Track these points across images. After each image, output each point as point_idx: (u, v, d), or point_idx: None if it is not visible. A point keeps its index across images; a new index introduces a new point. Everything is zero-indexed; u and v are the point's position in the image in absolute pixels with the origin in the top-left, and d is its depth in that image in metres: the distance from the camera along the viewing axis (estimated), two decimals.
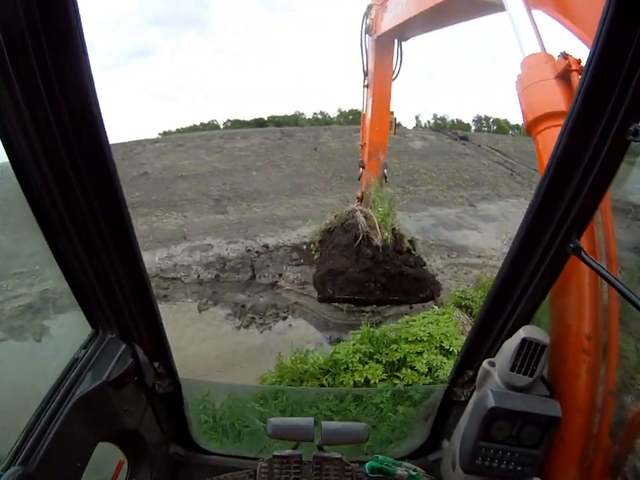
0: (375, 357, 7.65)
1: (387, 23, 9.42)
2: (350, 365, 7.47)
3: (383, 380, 7.11)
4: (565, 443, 2.08)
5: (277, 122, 48.52)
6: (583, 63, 1.88)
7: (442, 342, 7.86)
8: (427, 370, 7.29)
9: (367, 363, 7.50)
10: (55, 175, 1.55)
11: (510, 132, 48.63)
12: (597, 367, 1.98)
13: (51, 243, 1.76)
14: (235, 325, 12.88)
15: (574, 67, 2.35)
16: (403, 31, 9.33)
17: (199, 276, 15.44)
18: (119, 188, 1.70)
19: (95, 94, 1.47)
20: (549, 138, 2.29)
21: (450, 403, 2.67)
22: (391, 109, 11.18)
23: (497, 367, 2.07)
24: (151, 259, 16.08)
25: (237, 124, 46.23)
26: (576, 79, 2.30)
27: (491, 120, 50.73)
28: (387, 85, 10.62)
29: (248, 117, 50.05)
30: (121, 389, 2.01)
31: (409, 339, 7.86)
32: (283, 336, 11.64)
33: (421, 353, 7.61)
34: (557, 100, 2.39)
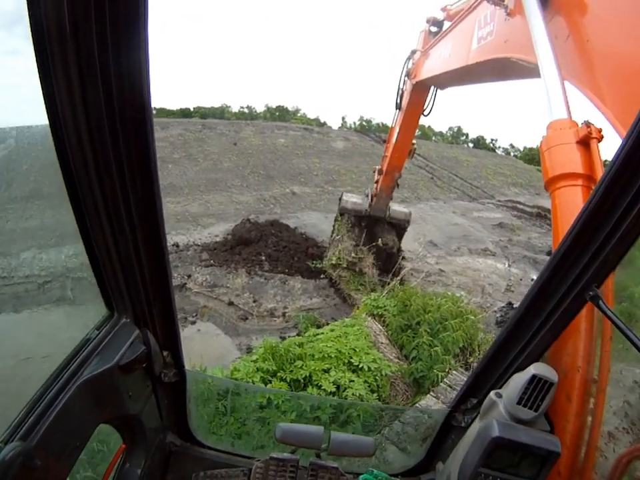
0: (278, 374, 7.12)
1: (427, 71, 9.78)
2: (252, 389, 6.81)
3: (287, 400, 6.56)
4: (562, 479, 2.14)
5: (203, 113, 47.86)
6: (603, 133, 2.55)
7: (351, 357, 7.47)
8: (334, 389, 6.86)
9: (269, 382, 6.98)
10: (94, 149, 1.49)
11: (433, 138, 50.12)
12: (599, 410, 2.04)
13: (79, 219, 1.69)
14: None
15: (594, 135, 2.58)
16: (442, 81, 9.67)
17: None
18: (155, 174, 1.65)
19: (148, 76, 1.43)
20: (564, 195, 2.53)
21: (449, 427, 2.71)
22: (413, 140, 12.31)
23: (504, 399, 2.13)
24: (57, 257, 14.96)
25: (161, 113, 44.78)
26: (595, 145, 2.56)
27: None
28: (415, 122, 11.65)
29: (174, 106, 48.68)
30: (129, 375, 1.97)
31: (315, 356, 7.43)
32: (190, 342, 10.79)
33: (328, 371, 7.17)
34: (576, 162, 2.59)
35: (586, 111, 2.96)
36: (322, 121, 51.61)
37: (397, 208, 14.75)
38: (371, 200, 14.00)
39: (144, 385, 2.24)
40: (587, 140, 2.61)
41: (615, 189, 1.64)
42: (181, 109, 48.71)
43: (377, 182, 13.63)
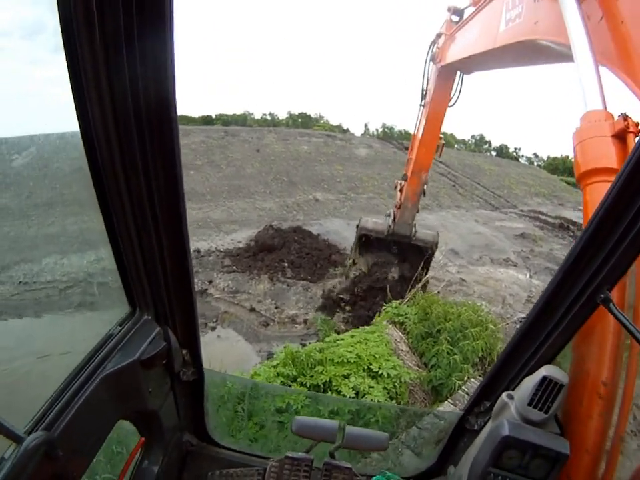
0: (298, 379, 7.14)
1: (453, 54, 9.53)
2: (271, 389, 6.83)
3: (306, 405, 6.59)
4: None
5: (225, 120, 48.01)
6: None
7: (371, 364, 7.44)
8: (353, 395, 6.84)
9: (290, 386, 7.00)
10: (122, 152, 1.54)
11: (455, 146, 49.78)
12: (609, 412, 2.03)
13: (106, 219, 1.75)
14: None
15: (631, 129, 2.44)
16: (468, 65, 9.46)
17: None
18: (180, 176, 1.70)
19: (174, 80, 1.47)
20: (597, 191, 2.40)
21: (462, 430, 2.71)
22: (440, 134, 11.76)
23: (515, 400, 2.15)
24: (79, 263, 15.21)
25: (183, 120, 45.16)
26: (632, 140, 2.42)
27: None
28: (442, 111, 10.97)
29: (195, 113, 49.00)
30: (149, 370, 2.02)
31: (336, 361, 7.41)
32: (210, 347, 10.82)
33: (347, 376, 7.16)
34: (610, 157, 2.47)
35: (623, 101, 2.78)
36: (344, 128, 51.64)
37: (423, 230, 13.81)
38: (394, 218, 13.10)
39: (163, 381, 2.29)
40: (624, 134, 2.48)
41: (627, 191, 1.65)
42: (202, 116, 48.91)
43: (400, 190, 12.88)
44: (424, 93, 11.18)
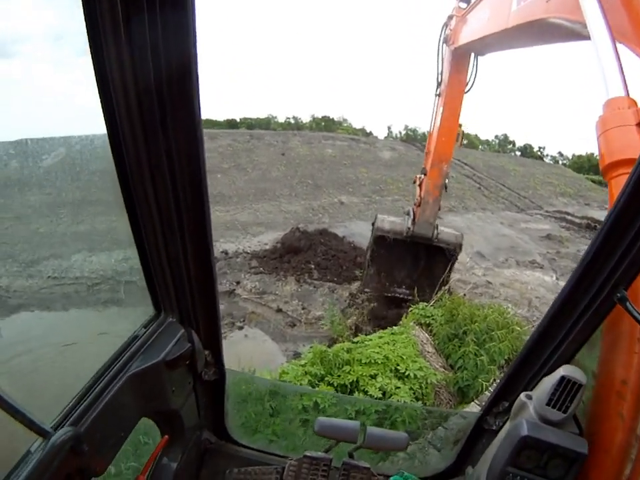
0: (326, 379, 7.23)
1: (466, 36, 9.37)
2: (292, 389, 6.90)
3: (333, 404, 6.71)
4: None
5: (249, 124, 48.22)
6: None
7: (398, 365, 7.48)
8: (380, 395, 6.89)
9: (317, 385, 7.09)
10: (149, 158, 1.59)
11: (480, 147, 49.26)
12: (629, 412, 1.98)
13: (132, 222, 1.79)
14: None
15: None
16: (481, 46, 9.27)
17: None
18: (204, 180, 1.73)
19: (198, 86, 1.51)
20: (623, 184, 2.13)
21: (481, 430, 2.70)
22: (460, 121, 11.26)
23: (534, 400, 2.14)
24: (107, 261, 15.52)
25: (208, 124, 45.60)
26: None
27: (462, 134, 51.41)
28: (459, 97, 10.63)
29: (220, 117, 49.39)
30: (173, 371, 2.07)
31: (363, 361, 7.47)
32: (237, 347, 11.09)
33: (374, 377, 7.22)
34: (636, 147, 2.31)
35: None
36: (368, 131, 51.61)
37: (445, 229, 12.93)
38: (414, 217, 12.23)
39: (186, 381, 2.33)
40: None
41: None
42: (227, 119, 49.25)
43: (420, 185, 12.10)
44: (439, 80, 10.86)
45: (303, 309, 13.12)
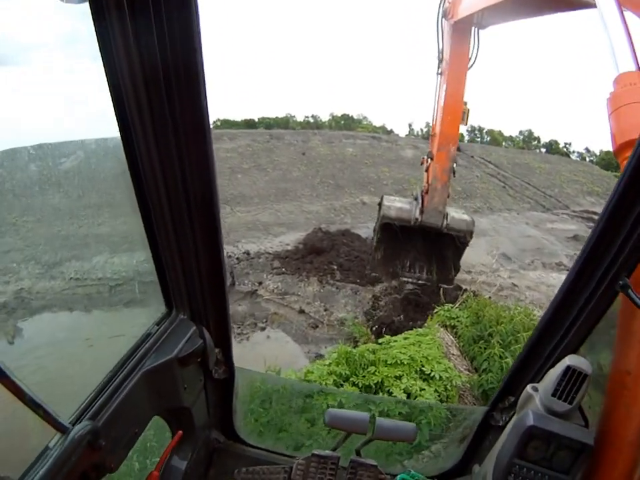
0: (350, 379, 7.22)
1: (466, 8, 9.14)
2: (305, 388, 6.91)
3: (357, 405, 6.63)
4: (598, 475, 2.08)
5: (267, 124, 48.32)
6: None
7: (423, 366, 7.43)
8: (404, 396, 6.84)
9: (342, 385, 7.11)
10: (161, 159, 1.63)
11: (504, 144, 48.65)
12: (634, 403, 1.95)
13: (146, 223, 1.83)
14: None
15: None
16: (482, 19, 9.09)
17: None
18: (214, 178, 1.77)
19: (205, 89, 1.54)
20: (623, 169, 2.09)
21: (487, 427, 2.70)
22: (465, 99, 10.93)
23: (540, 392, 2.12)
24: (129, 262, 15.61)
25: (226, 124, 45.75)
26: None
27: (485, 131, 50.63)
28: (462, 73, 10.34)
29: (238, 117, 49.50)
30: (185, 368, 2.10)
31: (388, 362, 7.45)
32: (259, 347, 11.21)
33: (399, 377, 7.18)
34: None
35: None
36: (388, 129, 51.29)
37: (456, 215, 12.48)
38: (422, 203, 11.83)
39: (197, 379, 2.35)
40: None
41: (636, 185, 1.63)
42: (245, 119, 49.39)
43: (427, 170, 11.75)
44: (439, 58, 10.56)
45: (325, 310, 13.04)
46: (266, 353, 9.57)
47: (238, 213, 19.75)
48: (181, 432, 2.35)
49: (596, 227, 1.84)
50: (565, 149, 52.07)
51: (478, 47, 9.80)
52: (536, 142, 53.96)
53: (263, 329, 12.36)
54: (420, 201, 12.02)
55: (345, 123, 53.35)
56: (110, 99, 1.49)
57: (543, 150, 50.58)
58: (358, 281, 14.29)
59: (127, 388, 1.73)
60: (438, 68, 10.73)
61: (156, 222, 1.82)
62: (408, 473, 2.71)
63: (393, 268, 13.59)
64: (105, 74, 1.43)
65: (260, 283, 14.38)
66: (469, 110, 11.09)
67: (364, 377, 7.19)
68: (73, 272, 16.60)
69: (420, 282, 13.22)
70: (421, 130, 52.56)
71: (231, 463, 2.78)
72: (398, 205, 12.57)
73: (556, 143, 52.95)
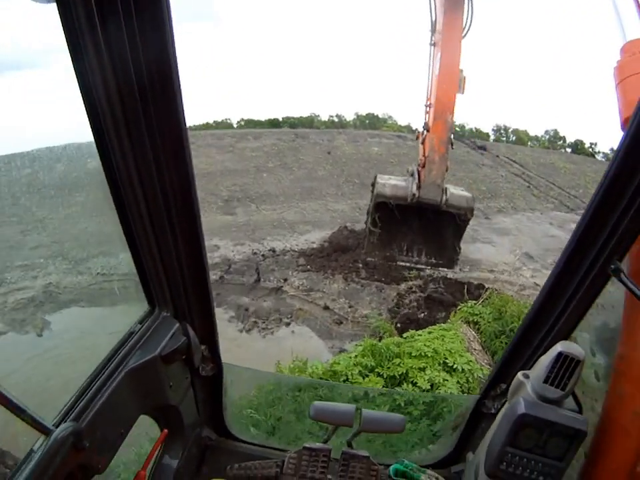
0: (376, 370, 7.46)
1: None
2: (350, 377, 7.31)
3: (382, 394, 6.87)
4: (591, 461, 2.12)
5: (292, 123, 48.30)
6: None
7: (446, 358, 7.64)
8: (428, 387, 7.10)
9: (367, 376, 7.34)
10: (135, 156, 1.63)
11: (529, 143, 48.02)
12: (626, 387, 1.98)
13: (123, 221, 1.83)
14: (237, 328, 12.69)
15: None
16: None
17: None
18: (191, 174, 1.78)
19: (179, 83, 1.55)
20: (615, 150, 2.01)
21: (479, 415, 2.71)
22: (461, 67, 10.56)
23: (531, 379, 2.09)
24: None
25: (250, 123, 46.01)
26: None
27: (511, 130, 49.94)
28: (457, 40, 10.05)
29: (262, 116, 49.66)
30: (170, 365, 2.11)
31: (413, 354, 7.67)
32: (283, 342, 11.43)
33: (423, 369, 7.41)
34: None
35: None
36: (413, 128, 50.99)
37: (455, 191, 11.88)
38: (419, 178, 11.14)
39: (183, 376, 2.37)
40: None
41: (631, 157, 1.61)
42: (269, 119, 49.42)
43: (423, 142, 11.11)
44: (432, 29, 10.26)
45: (350, 307, 13.08)
46: (290, 348, 9.82)
47: (263, 211, 19.96)
48: (167, 430, 2.36)
49: (587, 209, 1.81)
50: (590, 149, 51.21)
51: (472, 14, 9.62)
52: (561, 142, 53.13)
53: (288, 324, 12.49)
54: (416, 176, 11.42)
55: (370, 122, 53.01)
56: (82, 102, 1.49)
57: (569, 150, 49.78)
58: (383, 279, 14.26)
59: (110, 388, 1.74)
60: (430, 39, 10.46)
61: (133, 220, 1.81)
62: (401, 462, 2.70)
63: (390, 252, 13.13)
64: (75, 78, 1.42)
65: (285, 280, 14.49)
66: (465, 77, 10.65)
67: (389, 368, 7.43)
68: (99, 267, 17.07)
69: (418, 266, 12.82)
70: None
71: (224, 460, 2.76)
72: (393, 182, 11.94)
73: (581, 143, 52.00)
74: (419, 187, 11.11)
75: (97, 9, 1.30)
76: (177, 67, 1.51)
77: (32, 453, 1.40)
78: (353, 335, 11.59)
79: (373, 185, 12.07)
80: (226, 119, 48.43)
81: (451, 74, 10.29)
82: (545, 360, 2.00)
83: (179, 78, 1.53)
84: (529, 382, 2.09)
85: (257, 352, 11.06)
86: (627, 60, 2.25)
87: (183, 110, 1.61)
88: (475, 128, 47.66)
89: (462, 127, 52.76)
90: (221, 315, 13.09)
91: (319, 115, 53.56)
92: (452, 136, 10.77)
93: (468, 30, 9.82)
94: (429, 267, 12.74)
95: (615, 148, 1.71)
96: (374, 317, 11.96)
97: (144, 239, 1.87)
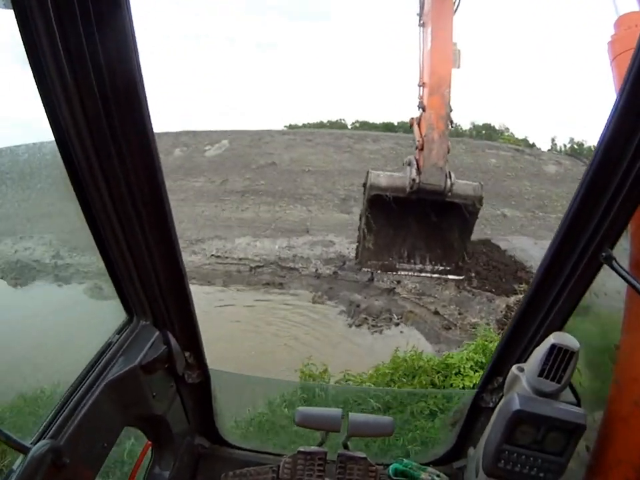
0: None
1: None
2: (462, 370, 7.64)
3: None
4: (595, 454, 2.08)
5: (407, 128, 47.88)
6: None
7: None
8: None
9: (477, 371, 7.60)
10: (100, 161, 1.57)
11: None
12: (623, 377, 1.96)
13: (92, 230, 1.77)
14: (346, 323, 13.29)
15: None
16: None
17: (317, 270, 16.16)
18: (161, 178, 1.73)
19: (143, 84, 1.50)
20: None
21: (478, 409, 2.66)
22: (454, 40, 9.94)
23: (526, 372, 2.05)
24: (271, 247, 17.01)
25: (365, 126, 46.30)
26: None
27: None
28: (448, 12, 9.46)
29: (377, 119, 49.75)
30: (151, 375, 2.05)
31: None
32: (391, 340, 11.70)
33: None
34: None
35: None
36: (530, 142, 49.18)
37: (459, 180, 10.55)
38: (417, 163, 10.02)
39: (167, 385, 2.30)
40: None
41: (618, 142, 1.58)
42: (384, 122, 49.28)
43: (419, 124, 10.17)
44: (420, 12, 9.77)
45: (460, 314, 13.30)
46: (397, 347, 10.01)
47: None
48: (150, 442, 2.37)
49: (575, 196, 1.77)
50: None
51: None
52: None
53: (397, 324, 12.91)
54: (414, 163, 10.33)
55: (487, 133, 51.78)
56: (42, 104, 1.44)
57: None
58: (493, 290, 14.28)
59: (89, 401, 1.69)
60: (419, 20, 9.94)
61: (103, 229, 1.76)
62: (400, 462, 2.67)
63: (388, 259, 11.97)
64: (34, 82, 1.37)
65: (398, 282, 14.76)
66: (459, 51, 10.00)
67: None
68: (214, 249, 18.28)
69: (422, 274, 11.69)
70: (564, 146, 49.77)
71: (218, 468, 2.75)
72: (388, 173, 10.67)
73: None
74: (418, 172, 9.92)
75: (54, 14, 1.26)
76: (139, 68, 1.47)
77: (11, 472, 1.35)
78: (460, 341, 11.71)
79: (364, 184, 10.71)
80: (340, 119, 48.92)
81: (444, 46, 9.53)
82: (539, 352, 1.98)
83: (142, 80, 1.50)
84: (524, 375, 2.06)
85: (364, 347, 11.66)
86: (621, 34, 2.12)
87: (148, 112, 1.57)
88: (594, 146, 45.01)
89: (581, 144, 49.97)
90: (331, 309, 13.81)
91: None
92: (450, 112, 9.70)
93: (458, 5, 9.32)
94: (434, 275, 11.59)
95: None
96: (482, 325, 11.93)
97: (115, 247, 1.82)
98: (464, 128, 52.59)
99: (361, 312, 13.60)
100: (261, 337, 11.89)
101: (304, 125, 44.74)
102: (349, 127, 47.83)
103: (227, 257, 17.84)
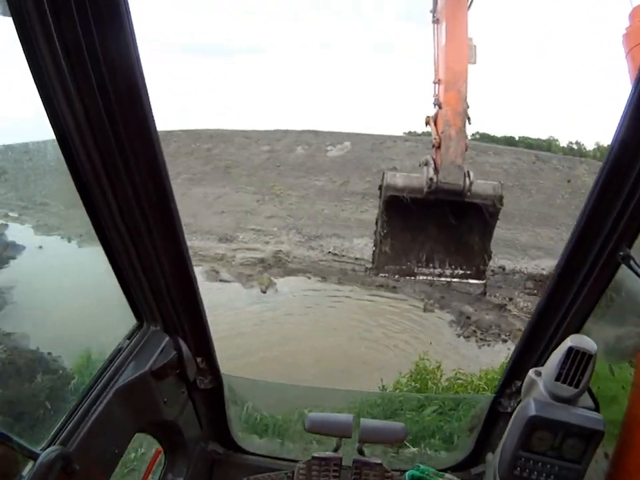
0: None
1: None
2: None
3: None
4: (614, 461, 2.05)
5: (528, 144, 46.50)
6: None
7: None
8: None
9: None
10: (105, 166, 1.54)
11: None
12: None
13: (100, 237, 1.76)
14: (455, 332, 13.48)
15: None
16: None
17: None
18: (167, 183, 1.70)
19: (144, 83, 1.47)
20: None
21: (496, 414, 2.61)
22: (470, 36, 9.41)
23: (543, 376, 1.99)
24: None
25: (485, 138, 45.30)
26: None
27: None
28: (462, 8, 9.08)
29: (497, 132, 48.47)
30: (162, 381, 2.02)
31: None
32: (499, 356, 11.64)
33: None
34: None
35: None
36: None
37: (480, 180, 9.31)
38: (434, 162, 9.17)
39: (179, 391, 2.27)
40: None
41: (634, 135, 1.54)
42: (505, 136, 48.02)
43: (435, 121, 9.29)
44: (433, 10, 9.45)
45: None
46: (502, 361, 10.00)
47: (498, 229, 20.11)
48: (160, 449, 2.33)
49: (591, 195, 1.73)
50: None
51: None
52: None
53: (505, 340, 12.91)
54: (431, 162, 9.44)
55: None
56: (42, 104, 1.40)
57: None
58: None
59: (99, 407, 1.68)
60: (433, 16, 9.55)
61: (110, 234, 1.74)
62: (417, 468, 2.59)
63: (406, 263, 10.47)
64: (34, 84, 1.35)
65: (510, 299, 14.87)
66: (475, 46, 9.41)
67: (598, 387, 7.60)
68: (332, 247, 18.92)
69: (442, 279, 11.08)
70: None
71: (232, 474, 2.73)
72: (405, 174, 9.90)
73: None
74: (436, 171, 9.14)
75: (52, 18, 1.24)
76: (141, 70, 1.45)
77: (21, 479, 1.35)
78: None
79: (380, 187, 9.82)
80: None
81: (460, 40, 9.08)
82: (556, 356, 1.90)
83: (145, 85, 1.48)
84: (541, 380, 2.00)
85: (469, 358, 11.77)
86: (637, 25, 2.12)
87: (152, 117, 1.54)
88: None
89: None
90: (442, 318, 14.01)
91: (557, 140, 50.79)
92: (468, 109, 9.08)
93: (472, 2, 8.86)
94: (454, 280, 10.96)
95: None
96: None
97: (124, 253, 1.80)
98: (587, 148, 50.08)
99: (471, 324, 13.67)
100: (373, 336, 12.29)
101: (423, 133, 44.60)
102: (469, 137, 46.92)
103: (343, 256, 18.46)
